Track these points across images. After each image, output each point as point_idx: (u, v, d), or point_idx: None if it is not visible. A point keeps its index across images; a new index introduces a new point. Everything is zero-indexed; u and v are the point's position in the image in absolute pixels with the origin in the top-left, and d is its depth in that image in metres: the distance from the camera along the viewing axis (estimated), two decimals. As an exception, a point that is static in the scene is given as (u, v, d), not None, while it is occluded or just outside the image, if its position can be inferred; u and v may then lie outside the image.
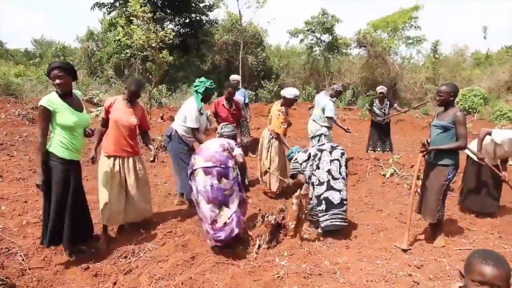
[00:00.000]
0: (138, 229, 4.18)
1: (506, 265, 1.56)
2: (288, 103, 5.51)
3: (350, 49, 21.02)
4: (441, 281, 3.25)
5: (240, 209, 3.76)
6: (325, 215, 4.13)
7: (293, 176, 4.55)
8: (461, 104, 14.71)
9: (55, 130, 3.22)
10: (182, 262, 3.50)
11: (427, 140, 4.05)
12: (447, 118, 3.87)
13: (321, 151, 4.32)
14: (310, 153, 4.36)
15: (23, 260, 3.40)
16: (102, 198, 3.84)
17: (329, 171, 4.21)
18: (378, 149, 8.09)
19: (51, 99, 3.16)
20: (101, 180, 3.86)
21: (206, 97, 4.73)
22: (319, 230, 4.18)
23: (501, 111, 13.16)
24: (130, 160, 3.99)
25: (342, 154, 4.35)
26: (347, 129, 6.62)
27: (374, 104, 8.04)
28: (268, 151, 5.52)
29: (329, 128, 6.25)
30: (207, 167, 3.51)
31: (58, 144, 3.22)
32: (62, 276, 3.26)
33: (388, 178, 6.54)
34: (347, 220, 4.27)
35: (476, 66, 23.57)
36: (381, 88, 8.03)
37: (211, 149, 3.72)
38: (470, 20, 60.00)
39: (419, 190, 5.84)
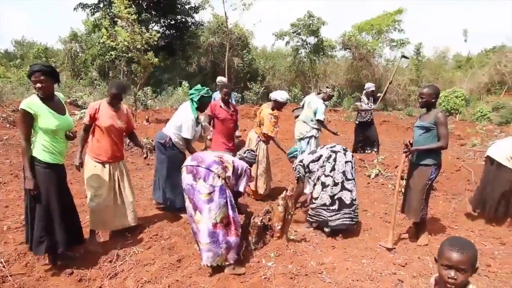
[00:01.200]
0: (124, 232, 4.14)
1: (470, 250, 1.70)
2: (279, 106, 5.53)
3: (336, 51, 21.24)
4: (424, 279, 3.31)
5: (225, 230, 3.39)
6: (337, 214, 4.26)
7: (298, 179, 4.74)
8: (443, 105, 14.97)
9: (37, 134, 3.14)
10: (168, 265, 3.48)
11: (410, 141, 4.12)
12: (429, 119, 3.94)
13: (335, 152, 4.40)
14: (321, 155, 4.43)
15: (3, 267, 3.31)
16: (92, 205, 3.79)
17: (343, 172, 4.32)
18: (368, 149, 8.20)
19: (32, 103, 3.07)
20: (91, 186, 3.80)
21: (201, 106, 4.52)
22: (326, 229, 4.31)
23: (481, 112, 13.44)
24: (120, 164, 3.98)
25: (352, 156, 4.53)
26: (336, 132, 6.66)
27: (362, 101, 8.21)
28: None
29: (318, 130, 6.29)
30: (190, 165, 3.43)
31: (41, 148, 3.14)
32: (45, 282, 3.19)
33: (373, 178, 6.63)
34: (355, 220, 4.38)
35: (458, 68, 24.09)
36: (372, 86, 8.29)
37: (206, 153, 3.70)
38: (451, 24, 61.28)
39: (403, 190, 5.94)
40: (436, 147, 3.92)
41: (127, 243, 3.92)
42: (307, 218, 4.51)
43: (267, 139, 5.53)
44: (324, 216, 4.30)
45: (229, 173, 3.51)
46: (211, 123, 5.44)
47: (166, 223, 4.48)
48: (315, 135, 6.18)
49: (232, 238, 3.42)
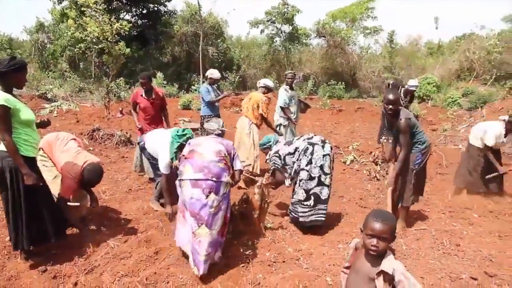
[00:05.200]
0: (99, 227, 4.07)
1: (391, 221, 1.94)
2: (269, 92, 6.00)
3: (310, 39, 21.33)
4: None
5: (221, 232, 3.30)
6: (311, 210, 4.03)
7: (273, 172, 4.35)
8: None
9: (16, 130, 3.03)
10: (145, 257, 3.45)
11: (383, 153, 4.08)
12: (394, 127, 3.90)
13: (313, 145, 4.09)
14: (297, 147, 4.15)
15: (-28, 267, 3.21)
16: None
17: (321, 167, 4.03)
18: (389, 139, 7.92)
19: (7, 97, 2.96)
20: None
21: (180, 151, 4.00)
22: (299, 225, 4.13)
23: (452, 98, 13.83)
24: None
25: (331, 148, 4.22)
26: (294, 121, 6.56)
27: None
28: (249, 137, 5.73)
29: (287, 119, 6.33)
30: (195, 180, 3.11)
31: (23, 144, 3.07)
32: (18, 281, 3.09)
33: (348, 165, 6.74)
34: (325, 216, 4.16)
35: (429, 55, 24.55)
36: (415, 87, 7.66)
37: (206, 157, 3.24)
38: (423, 11, 62.37)
39: (377, 175, 6.08)
40: (401, 163, 3.89)
41: (102, 237, 3.85)
42: (290, 214, 4.30)
43: (261, 120, 5.86)
44: (297, 212, 4.09)
45: (229, 164, 3.40)
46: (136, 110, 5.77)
47: (142, 215, 4.42)
48: (283, 123, 6.31)
49: (223, 239, 3.36)
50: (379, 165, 6.33)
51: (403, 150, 3.85)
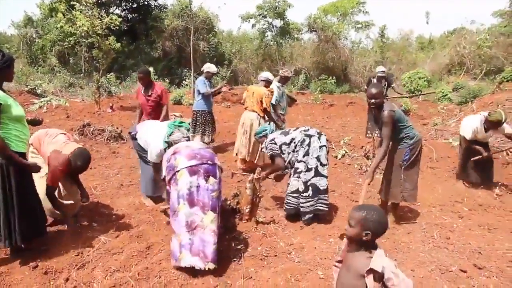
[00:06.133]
0: (90, 222, 4.04)
1: (363, 212, 1.97)
2: (269, 84, 6.17)
3: (302, 34, 21.27)
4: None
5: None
6: (311, 200, 4.07)
7: (272, 158, 4.37)
8: (407, 86, 15.39)
9: (7, 126, 3.00)
10: (137, 252, 3.44)
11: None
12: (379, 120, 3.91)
13: (309, 136, 4.15)
14: (293, 138, 4.19)
15: (-39, 265, 3.17)
16: None
17: (318, 158, 4.09)
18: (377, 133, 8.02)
19: None
20: None
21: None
22: (303, 218, 4.13)
23: (443, 93, 13.93)
24: None
25: (327, 140, 4.27)
26: (280, 125, 6.50)
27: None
28: None
29: (276, 115, 6.30)
30: (191, 166, 3.07)
31: (14, 139, 3.04)
32: (8, 277, 3.07)
33: (339, 159, 6.78)
34: (329, 206, 4.24)
35: (420, 50, 24.70)
36: (382, 72, 8.13)
37: (193, 146, 3.34)
38: (414, 6, 62.67)
39: (368, 169, 6.11)
40: (381, 156, 3.87)
41: (94, 232, 3.83)
42: (285, 206, 4.29)
43: (264, 113, 6.01)
44: (294, 204, 4.13)
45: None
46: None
47: (134, 211, 4.41)
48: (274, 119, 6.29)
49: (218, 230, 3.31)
50: (370, 159, 6.38)
51: (383, 143, 3.84)
